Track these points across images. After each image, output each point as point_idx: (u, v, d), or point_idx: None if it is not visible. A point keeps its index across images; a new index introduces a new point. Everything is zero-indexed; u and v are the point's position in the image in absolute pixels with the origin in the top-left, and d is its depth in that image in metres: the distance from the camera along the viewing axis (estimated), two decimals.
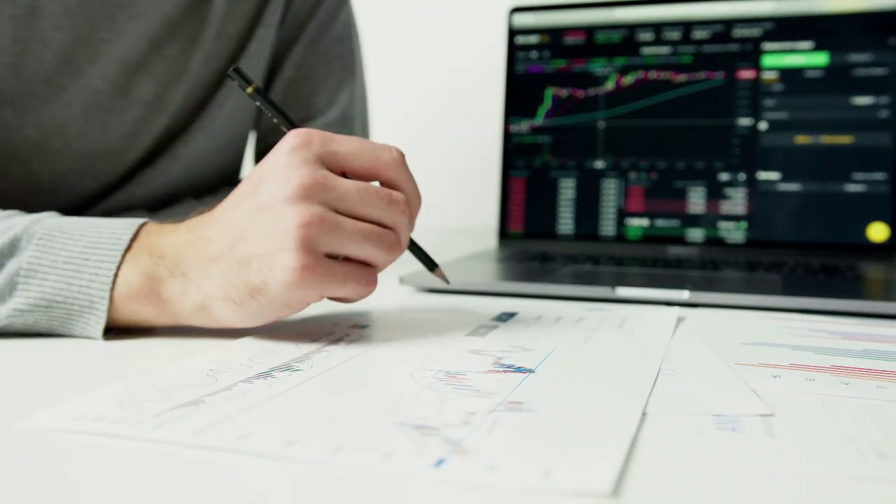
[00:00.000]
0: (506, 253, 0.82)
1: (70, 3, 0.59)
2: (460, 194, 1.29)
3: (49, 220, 0.44)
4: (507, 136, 0.93)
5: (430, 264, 0.49)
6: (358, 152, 0.43)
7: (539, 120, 0.92)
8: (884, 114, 0.80)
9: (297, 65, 0.75)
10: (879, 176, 0.80)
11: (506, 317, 0.50)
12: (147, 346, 0.42)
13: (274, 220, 0.39)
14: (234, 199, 0.42)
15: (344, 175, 0.43)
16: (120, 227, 0.43)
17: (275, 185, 0.40)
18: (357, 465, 0.25)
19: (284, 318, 0.44)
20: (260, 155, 0.81)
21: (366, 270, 0.43)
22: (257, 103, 0.48)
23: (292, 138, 0.42)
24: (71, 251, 0.42)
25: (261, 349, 0.40)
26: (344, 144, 0.42)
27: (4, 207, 0.49)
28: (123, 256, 0.42)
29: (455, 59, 1.31)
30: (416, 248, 0.48)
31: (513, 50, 0.94)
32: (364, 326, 0.47)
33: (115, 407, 0.30)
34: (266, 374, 0.35)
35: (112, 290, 0.41)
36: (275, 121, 0.48)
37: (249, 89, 0.47)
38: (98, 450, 0.26)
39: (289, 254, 0.39)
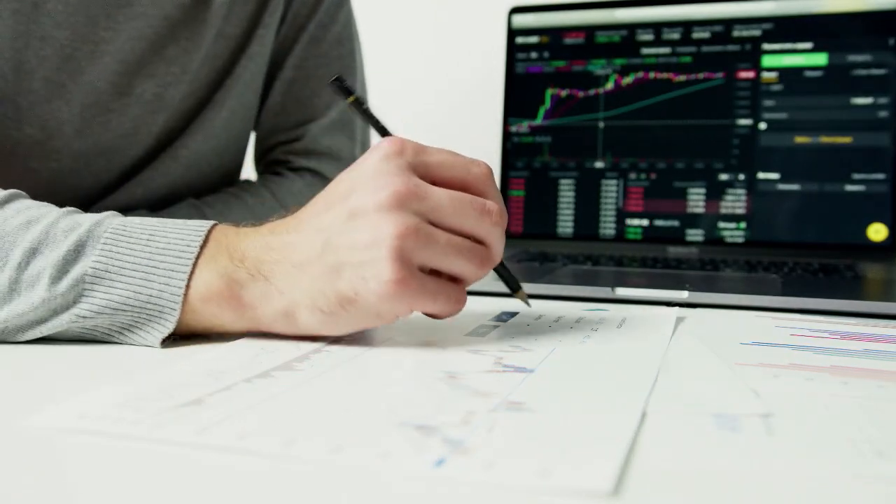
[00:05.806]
0: (506, 253, 0.82)
1: (71, 1, 0.59)
2: None
3: (111, 221, 0.42)
4: (507, 137, 0.93)
5: (514, 285, 0.48)
6: (449, 164, 0.41)
7: (539, 120, 0.92)
8: (883, 114, 0.81)
9: (297, 66, 0.75)
10: (879, 176, 0.80)
11: (506, 317, 0.50)
12: (147, 346, 0.42)
13: (367, 228, 0.38)
14: (322, 204, 0.41)
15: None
16: (187, 233, 0.41)
17: (368, 192, 0.38)
18: (357, 464, 0.25)
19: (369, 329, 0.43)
20: (260, 156, 0.80)
21: (455, 287, 0.41)
22: (357, 113, 0.47)
23: (386, 145, 0.40)
24: (138, 256, 0.40)
25: (261, 349, 0.40)
26: (435, 156, 0.41)
27: None
28: (196, 261, 0.40)
29: (455, 59, 1.31)
30: (501, 267, 0.47)
31: (512, 50, 0.94)
32: None
33: (117, 406, 0.30)
34: (266, 374, 0.35)
35: (185, 297, 0.40)
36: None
37: (350, 99, 0.47)
38: (99, 449, 0.26)
39: (384, 265, 0.37)
